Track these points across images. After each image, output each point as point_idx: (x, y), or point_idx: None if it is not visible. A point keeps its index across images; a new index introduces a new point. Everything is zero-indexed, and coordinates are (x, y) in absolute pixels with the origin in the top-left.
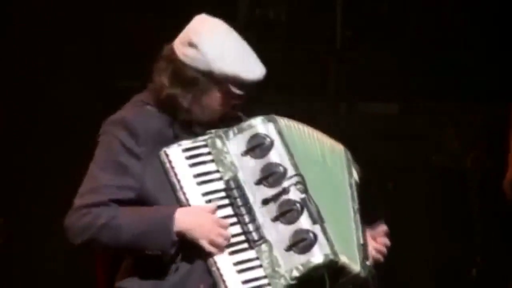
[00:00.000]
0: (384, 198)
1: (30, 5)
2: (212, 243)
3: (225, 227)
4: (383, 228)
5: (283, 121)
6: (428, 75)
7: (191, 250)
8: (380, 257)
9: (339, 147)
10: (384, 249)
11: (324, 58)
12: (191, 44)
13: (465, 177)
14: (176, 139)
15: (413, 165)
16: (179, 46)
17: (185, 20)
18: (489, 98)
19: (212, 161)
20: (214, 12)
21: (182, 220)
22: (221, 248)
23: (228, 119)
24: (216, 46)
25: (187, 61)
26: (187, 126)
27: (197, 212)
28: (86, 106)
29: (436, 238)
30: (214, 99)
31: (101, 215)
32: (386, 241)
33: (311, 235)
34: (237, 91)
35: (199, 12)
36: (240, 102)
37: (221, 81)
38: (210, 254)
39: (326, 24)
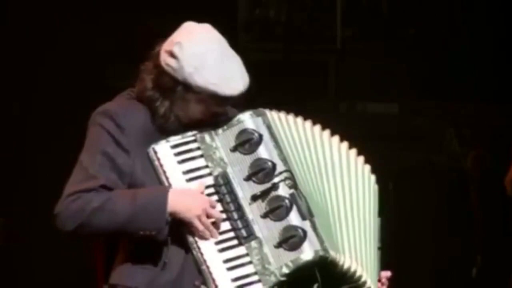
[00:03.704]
0: (384, 198)
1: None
2: (204, 223)
3: (215, 207)
4: (387, 274)
5: (274, 114)
6: (428, 75)
7: (182, 244)
8: None
9: (370, 175)
10: None
11: (324, 58)
12: (172, 55)
13: (465, 177)
14: (161, 131)
15: (413, 165)
16: (163, 53)
17: (185, 20)
18: (490, 98)
19: (201, 156)
20: (214, 12)
21: (175, 199)
22: (211, 229)
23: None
24: (195, 59)
25: (167, 70)
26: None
27: (189, 192)
28: (86, 107)
29: (436, 238)
30: (192, 108)
31: (92, 200)
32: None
33: (300, 231)
34: (214, 106)
35: (199, 11)
36: (222, 111)
37: (199, 93)
38: (200, 241)
39: (326, 24)
